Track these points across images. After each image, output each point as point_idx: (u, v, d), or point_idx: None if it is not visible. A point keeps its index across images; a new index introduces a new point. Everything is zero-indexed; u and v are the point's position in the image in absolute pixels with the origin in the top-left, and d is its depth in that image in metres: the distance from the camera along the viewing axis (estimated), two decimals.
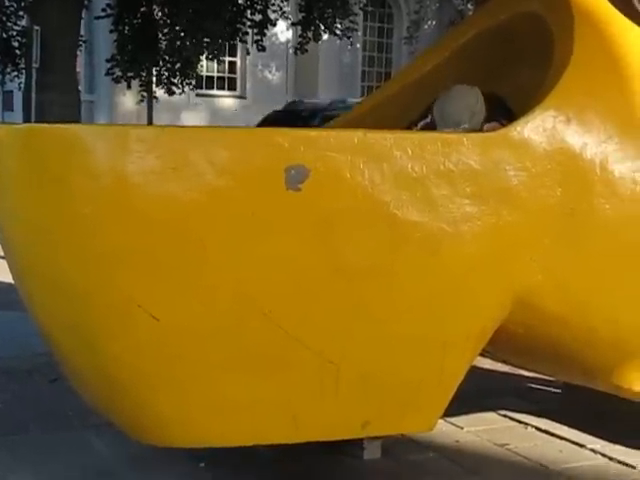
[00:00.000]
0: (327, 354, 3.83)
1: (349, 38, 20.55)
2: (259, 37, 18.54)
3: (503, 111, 4.76)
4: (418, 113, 5.09)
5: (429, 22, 28.20)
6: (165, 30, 18.24)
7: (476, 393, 5.48)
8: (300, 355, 3.79)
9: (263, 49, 18.75)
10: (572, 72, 4.22)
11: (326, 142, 3.77)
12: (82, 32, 17.96)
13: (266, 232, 3.69)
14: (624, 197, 4.19)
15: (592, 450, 5.04)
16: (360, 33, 27.60)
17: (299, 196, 3.67)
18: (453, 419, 5.30)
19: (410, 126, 5.02)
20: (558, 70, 4.27)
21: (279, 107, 18.77)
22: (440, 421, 4.41)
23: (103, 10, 18.61)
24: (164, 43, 18.21)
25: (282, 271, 3.72)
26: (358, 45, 28.49)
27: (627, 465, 4.82)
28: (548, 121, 4.07)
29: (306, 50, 19.66)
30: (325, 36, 20.40)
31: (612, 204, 4.17)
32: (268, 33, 19.15)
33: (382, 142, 3.82)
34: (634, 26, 4.65)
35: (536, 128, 4.05)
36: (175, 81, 18.95)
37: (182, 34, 17.69)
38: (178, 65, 18.40)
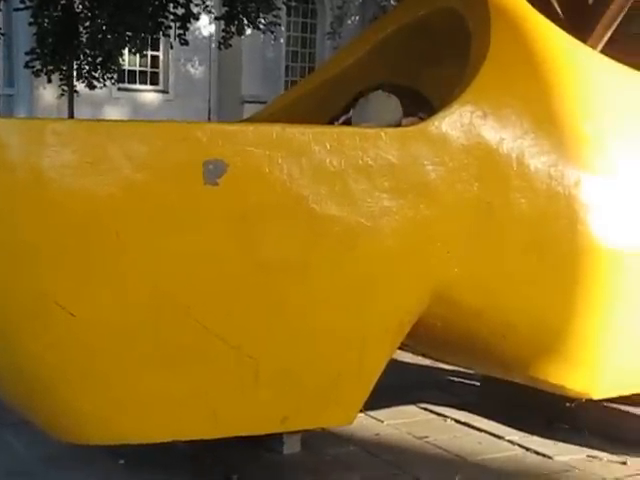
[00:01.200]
0: (246, 349, 3.82)
1: (272, 33, 20.46)
2: (182, 31, 18.36)
3: (422, 106, 4.78)
4: (339, 108, 5.10)
5: (352, 18, 28.27)
6: (86, 23, 17.99)
7: (396, 387, 5.52)
8: (219, 350, 3.77)
9: (186, 43, 18.57)
10: (488, 68, 4.26)
11: (244, 137, 3.75)
12: (0, 24, 17.63)
13: (184, 227, 3.66)
14: (540, 192, 4.25)
15: (510, 441, 5.11)
16: (284, 28, 27.52)
17: (217, 191, 3.65)
18: (373, 413, 5.33)
19: (332, 121, 5.02)
20: (475, 66, 4.31)
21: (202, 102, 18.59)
22: (360, 415, 4.43)
23: (22, 2, 18.28)
24: (85, 36, 17.95)
25: (200, 266, 3.70)
26: (282, 40, 28.42)
27: (544, 456, 4.90)
28: (465, 116, 4.11)
29: (230, 45, 19.52)
30: (249, 31, 20.29)
31: (528, 199, 4.22)
32: (191, 27, 18.98)
33: (300, 137, 3.82)
34: (550, 23, 4.72)
35: (453, 123, 4.08)
36: (96, 75, 18.69)
37: (103, 27, 17.46)
38: (99, 59, 18.15)
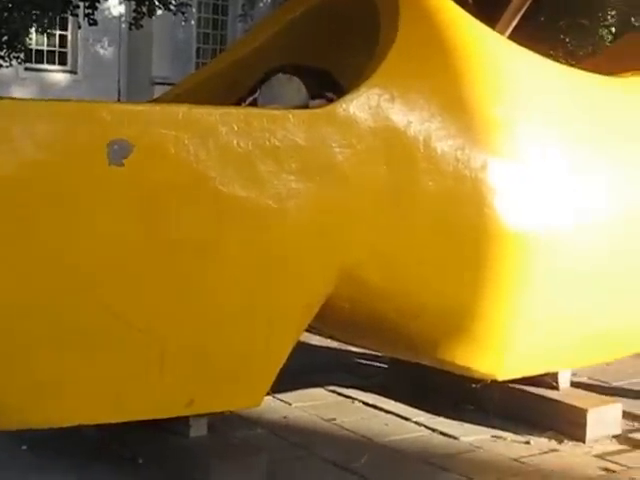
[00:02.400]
0: (151, 331, 3.78)
1: (184, 14, 20.28)
2: (90, 11, 18.09)
3: (332, 87, 4.77)
4: (247, 89, 5.06)
5: (264, 0, 28.15)
6: None
7: (305, 369, 5.53)
8: (124, 333, 3.72)
9: (95, 23, 18.28)
10: (397, 51, 4.27)
11: (150, 117, 3.72)
12: None
13: (89, 208, 3.61)
14: (447, 174, 4.28)
15: (416, 423, 5.16)
16: (195, 9, 27.28)
17: (122, 171, 3.60)
18: (281, 395, 5.33)
19: (239, 102, 4.98)
20: (383, 49, 4.31)
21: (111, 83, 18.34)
22: (268, 397, 4.43)
23: None
24: None
25: (106, 247, 3.64)
26: (193, 22, 28.16)
27: (450, 436, 4.96)
28: (373, 99, 4.11)
29: (140, 25, 19.29)
30: (159, 12, 20.08)
31: (435, 181, 4.24)
32: (100, 7, 18.70)
33: (207, 117, 3.79)
34: (459, 9, 4.74)
35: (361, 105, 4.08)
36: (2, 54, 18.32)
37: (9, 5, 17.11)
38: (5, 38, 17.79)
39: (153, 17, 19.89)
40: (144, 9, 18.80)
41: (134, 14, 19.19)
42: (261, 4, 27.37)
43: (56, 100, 4.85)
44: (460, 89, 4.45)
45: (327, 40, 5.06)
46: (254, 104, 4.82)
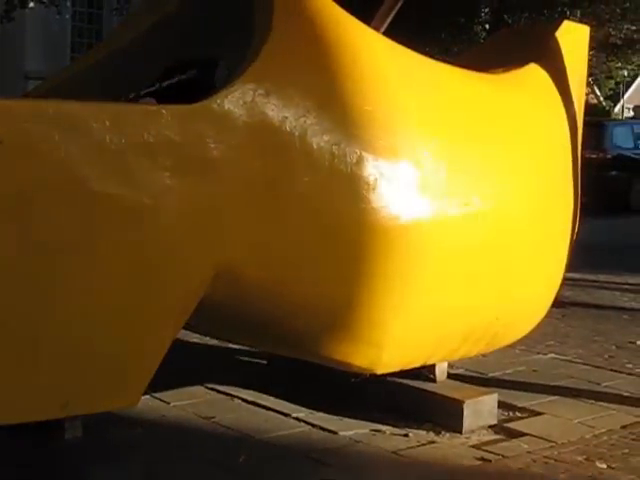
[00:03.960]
0: (24, 333, 3.68)
1: (57, 7, 19.95)
2: None
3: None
4: (126, 82, 4.99)
5: None
6: None
7: (182, 367, 5.48)
8: None
9: None
10: (272, 46, 4.25)
11: (19, 112, 3.62)
12: None
13: None
14: (322, 169, 4.28)
15: (296, 418, 5.15)
16: (69, 3, 26.83)
17: None
18: (159, 394, 5.27)
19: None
20: (258, 44, 4.29)
21: None
22: (146, 397, 4.37)
23: None
24: None
25: None
26: (67, 15, 27.68)
27: (329, 431, 4.97)
28: (248, 94, 4.08)
29: (12, 18, 18.89)
30: (32, 4, 19.69)
31: (311, 176, 4.24)
32: None
33: (78, 113, 3.71)
34: (334, 4, 4.75)
35: (236, 101, 4.05)
36: None
37: None
38: None
39: (26, 10, 19.49)
40: (16, 1, 18.41)
41: (5, 6, 18.76)
42: None
43: None
44: (336, 84, 4.46)
45: (207, 31, 5.01)
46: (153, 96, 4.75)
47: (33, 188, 3.60)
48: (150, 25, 5.16)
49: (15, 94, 22.06)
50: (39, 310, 3.71)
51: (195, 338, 6.06)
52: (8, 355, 3.68)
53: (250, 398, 5.46)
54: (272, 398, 5.44)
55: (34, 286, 3.67)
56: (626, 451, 4.79)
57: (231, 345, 6.23)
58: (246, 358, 6.33)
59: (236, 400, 5.46)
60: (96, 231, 3.75)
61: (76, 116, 3.69)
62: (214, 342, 6.28)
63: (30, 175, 3.59)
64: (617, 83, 46.12)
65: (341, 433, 4.94)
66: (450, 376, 5.50)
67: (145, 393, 4.21)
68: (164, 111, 3.89)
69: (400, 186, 4.54)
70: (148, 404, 5.03)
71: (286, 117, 4.18)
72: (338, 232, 4.39)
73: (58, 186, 3.64)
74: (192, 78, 4.89)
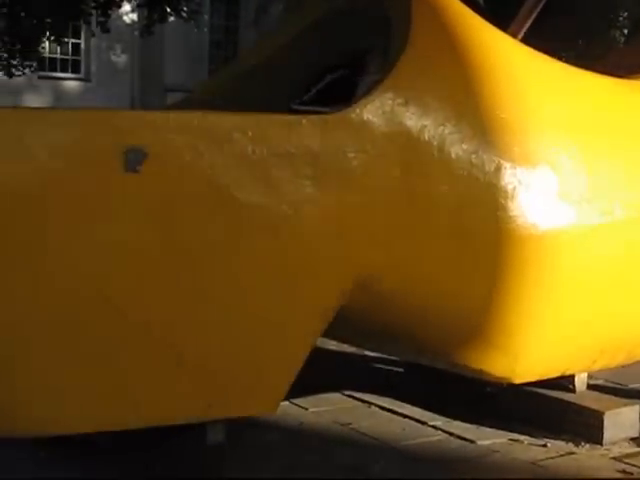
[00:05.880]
0: (168, 338, 3.79)
1: (195, 21, 20.35)
2: (103, 18, 18.15)
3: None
4: (263, 96, 5.09)
5: (276, 6, 28.18)
6: (3, 10, 17.69)
7: (320, 374, 5.51)
8: (140, 339, 3.74)
9: (107, 31, 18.35)
10: (410, 55, 4.28)
11: (165, 124, 3.73)
12: None
13: (105, 215, 3.63)
14: (461, 178, 4.27)
15: (433, 427, 5.15)
16: (207, 16, 27.38)
17: (138, 179, 3.62)
18: (297, 400, 5.33)
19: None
20: (396, 53, 4.32)
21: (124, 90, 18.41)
22: (285, 403, 4.43)
23: None
24: (3, 23, 17.64)
25: (122, 255, 3.66)
26: (205, 29, 28.26)
27: (466, 440, 4.95)
28: (387, 103, 4.12)
29: (152, 32, 19.34)
30: (172, 18, 20.13)
31: (449, 185, 4.24)
32: (113, 14, 18.77)
33: (222, 124, 3.81)
34: (471, 12, 4.74)
35: (375, 110, 4.08)
36: (15, 63, 18.39)
37: (22, 14, 17.19)
38: (18, 46, 17.87)
39: (166, 24, 19.95)
40: (156, 16, 18.85)
41: (146, 21, 19.24)
42: (273, 10, 27.42)
43: (71, 108, 4.88)
44: (473, 92, 4.45)
45: (345, 43, 5.07)
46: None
47: (179, 197, 3.71)
48: (290, 39, 5.26)
49: (156, 106, 22.63)
50: (183, 316, 3.81)
51: (332, 345, 6.11)
52: (153, 358, 3.80)
53: (387, 405, 5.47)
54: (409, 406, 5.45)
55: (178, 291, 3.78)
56: None
57: (368, 352, 6.26)
58: (383, 365, 6.35)
59: (373, 407, 5.48)
60: (238, 239, 3.83)
61: (220, 127, 3.79)
62: (351, 349, 6.32)
63: (175, 184, 3.70)
64: None
65: (479, 442, 4.91)
66: (590, 387, 5.41)
67: (283, 399, 4.27)
68: (304, 121, 3.95)
69: (538, 194, 4.49)
70: (286, 410, 5.09)
71: (425, 126, 4.19)
72: (475, 240, 4.37)
73: (202, 195, 3.75)
74: (342, 76, 4.95)
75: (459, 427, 5.12)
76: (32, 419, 3.76)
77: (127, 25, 26.08)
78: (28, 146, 3.49)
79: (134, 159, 3.59)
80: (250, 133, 3.80)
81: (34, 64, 19.35)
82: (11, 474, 4.27)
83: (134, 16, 25.62)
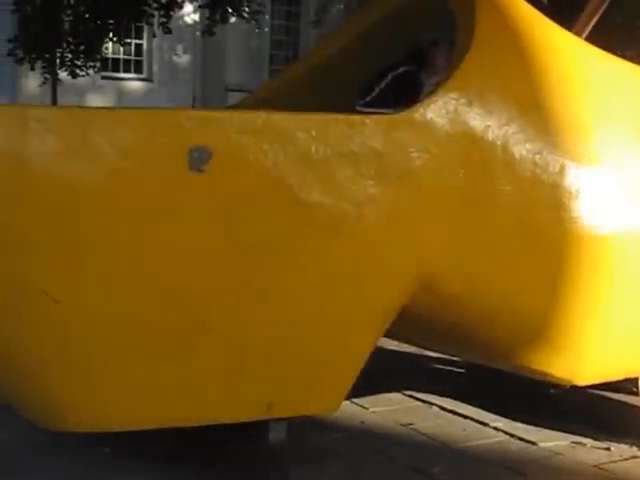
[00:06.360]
0: (231, 336, 3.82)
1: (256, 21, 20.43)
2: (165, 19, 18.29)
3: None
4: (326, 96, 5.10)
5: (337, 6, 28.18)
6: (68, 11, 17.91)
7: (381, 374, 5.53)
8: (203, 338, 3.77)
9: (169, 31, 18.50)
10: (474, 55, 4.26)
11: (230, 123, 3.75)
12: None
13: (169, 214, 3.65)
14: (524, 179, 4.26)
15: (494, 428, 5.12)
16: (268, 16, 27.46)
17: (203, 178, 3.64)
18: (359, 400, 5.34)
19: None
20: (460, 52, 4.31)
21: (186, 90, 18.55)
22: (345, 402, 4.43)
23: None
24: (67, 24, 17.86)
25: (185, 254, 3.69)
26: (266, 29, 28.35)
27: (528, 442, 4.92)
28: (450, 103, 4.11)
29: (213, 33, 19.45)
30: (233, 19, 20.23)
31: (513, 186, 4.22)
32: (175, 15, 18.92)
33: (286, 123, 3.82)
34: (535, 11, 4.72)
35: (438, 110, 4.08)
36: (79, 63, 18.61)
37: (86, 15, 17.39)
38: (82, 47, 18.08)
39: (227, 24, 20.05)
40: (218, 17, 18.95)
41: (207, 22, 19.35)
42: (334, 10, 27.44)
43: (136, 108, 4.93)
44: (537, 92, 4.42)
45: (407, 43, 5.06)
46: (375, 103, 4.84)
47: (242, 195, 3.73)
48: (351, 39, 5.27)
49: (217, 106, 22.74)
50: (246, 314, 3.84)
51: (393, 345, 6.10)
52: (218, 358, 3.83)
53: (448, 406, 5.46)
54: (470, 407, 5.43)
55: (241, 290, 3.80)
56: None
57: (428, 352, 6.25)
58: (443, 366, 6.34)
59: (434, 407, 5.47)
60: (301, 238, 3.85)
61: (283, 126, 3.81)
62: (412, 349, 6.32)
63: (239, 183, 3.73)
64: None
65: (541, 444, 4.88)
66: None
67: (344, 398, 4.28)
68: (368, 121, 3.96)
69: (602, 195, 4.46)
70: (347, 409, 5.10)
71: (488, 126, 4.17)
72: (539, 241, 4.35)
73: (266, 194, 3.77)
74: (405, 72, 4.95)
75: (521, 429, 5.10)
76: (98, 414, 3.81)
77: (189, 25, 26.26)
78: (95, 145, 3.53)
79: (199, 158, 3.62)
80: (314, 133, 3.81)
81: (97, 65, 19.56)
82: (77, 469, 4.33)
83: (196, 17, 25.79)
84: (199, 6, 20.82)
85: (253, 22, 20.41)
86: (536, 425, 5.13)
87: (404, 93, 4.71)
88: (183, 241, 3.67)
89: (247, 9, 19.25)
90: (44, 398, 3.82)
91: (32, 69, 19.54)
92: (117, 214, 3.60)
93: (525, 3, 4.70)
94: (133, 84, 26.92)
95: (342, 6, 28.48)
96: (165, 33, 18.62)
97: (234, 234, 3.75)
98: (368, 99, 4.89)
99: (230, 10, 18.83)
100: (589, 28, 6.65)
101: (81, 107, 3.83)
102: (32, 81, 23.04)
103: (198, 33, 24.63)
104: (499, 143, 4.20)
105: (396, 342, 5.97)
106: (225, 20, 19.20)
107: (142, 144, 3.63)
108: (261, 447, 4.27)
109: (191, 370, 3.82)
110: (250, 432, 4.29)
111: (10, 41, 18.54)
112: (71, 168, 3.52)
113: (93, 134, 3.54)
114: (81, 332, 3.64)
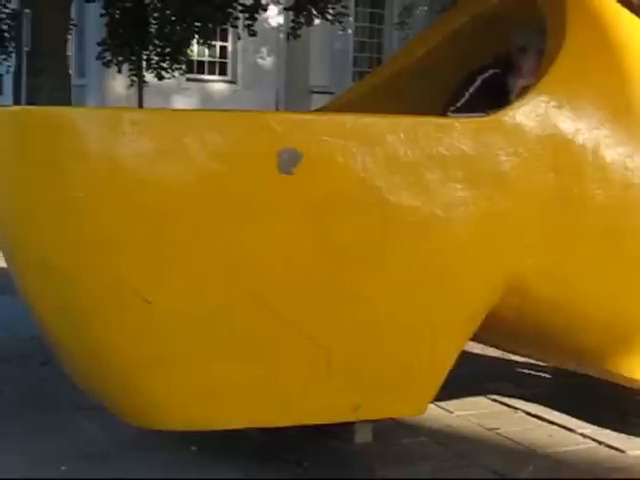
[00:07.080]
0: (319, 338, 3.84)
1: (341, 23, 20.52)
2: (250, 22, 18.48)
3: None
4: (412, 98, 5.10)
5: (421, 8, 28.14)
6: (155, 14, 18.20)
7: (467, 378, 5.49)
8: (291, 339, 3.79)
9: (254, 34, 18.69)
10: (564, 57, 4.23)
11: (319, 126, 3.77)
12: (72, 15, 17.87)
13: (258, 216, 3.69)
14: (615, 182, 4.21)
15: (582, 434, 5.05)
16: (352, 19, 27.54)
17: (292, 180, 3.67)
18: (443, 403, 5.32)
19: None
20: (551, 55, 4.28)
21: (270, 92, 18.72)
22: (431, 405, 4.42)
23: None
24: (154, 27, 18.15)
25: (274, 255, 3.72)
26: (350, 31, 28.42)
27: (616, 449, 4.84)
28: (540, 106, 4.08)
29: (298, 35, 19.59)
30: (317, 21, 20.34)
31: (603, 189, 4.18)
32: (259, 18, 19.10)
33: (375, 126, 3.83)
34: (627, 12, 4.66)
35: (529, 113, 4.05)
36: (165, 66, 18.90)
37: (172, 18, 17.65)
38: (168, 50, 18.36)
39: (311, 27, 20.17)
40: (302, 19, 19.07)
41: (292, 24, 19.48)
42: (417, 12, 27.40)
43: (226, 110, 4.98)
44: (629, 95, 4.38)
45: (495, 46, 5.03)
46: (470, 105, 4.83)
47: (331, 198, 3.75)
48: (437, 43, 5.26)
49: (301, 108, 22.89)
50: (333, 316, 3.86)
51: (477, 349, 6.07)
52: (304, 359, 3.85)
53: (534, 411, 5.40)
54: (556, 412, 5.37)
55: (329, 291, 3.82)
56: None
57: (513, 357, 6.20)
58: (529, 371, 6.28)
59: (520, 412, 5.42)
60: (389, 241, 3.85)
61: (372, 129, 3.82)
62: (497, 353, 6.27)
63: (328, 186, 3.75)
64: None
65: (629, 452, 4.80)
66: None
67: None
68: (457, 124, 3.95)
69: None
70: (432, 413, 5.07)
71: (579, 129, 4.14)
72: (630, 245, 4.31)
73: (355, 197, 3.78)
74: (494, 75, 4.92)
75: (609, 436, 5.02)
76: (185, 413, 3.86)
77: (273, 28, 26.47)
78: (186, 147, 3.58)
79: (288, 161, 3.65)
80: (402, 136, 3.82)
81: (183, 67, 19.84)
82: (165, 468, 4.39)
83: (280, 19, 25.99)
84: (284, 9, 20.99)
85: (337, 24, 20.49)
86: (625, 432, 5.04)
87: (492, 97, 4.68)
88: (272, 242, 3.70)
89: (331, 11, 19.35)
90: (133, 396, 3.89)
91: (119, 72, 19.89)
92: (207, 215, 3.64)
93: (616, 4, 4.65)
94: (217, 86, 27.23)
95: (425, 8, 28.43)
96: (250, 36, 18.83)
97: (323, 236, 3.77)
98: (458, 104, 4.87)
99: (314, 12, 18.95)
100: None
101: (172, 110, 3.88)
102: (119, 83, 23.46)
103: (282, 35, 24.85)
104: (589, 146, 4.16)
105: (481, 345, 5.94)
106: (309, 22, 19.33)
107: (233, 146, 3.67)
108: (347, 449, 4.28)
109: (278, 371, 3.85)
110: (336, 433, 4.31)
111: (99, 44, 18.91)
112: (163, 170, 3.58)
113: (184, 136, 3.59)
114: (171, 332, 3.69)
